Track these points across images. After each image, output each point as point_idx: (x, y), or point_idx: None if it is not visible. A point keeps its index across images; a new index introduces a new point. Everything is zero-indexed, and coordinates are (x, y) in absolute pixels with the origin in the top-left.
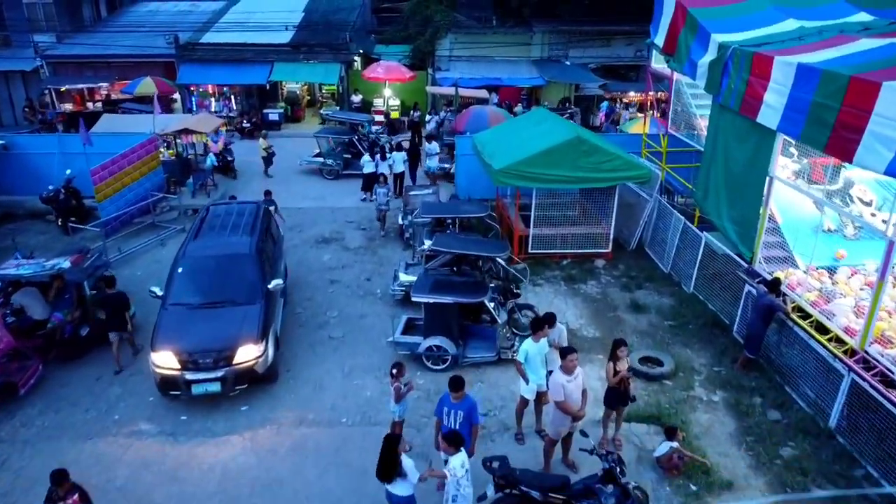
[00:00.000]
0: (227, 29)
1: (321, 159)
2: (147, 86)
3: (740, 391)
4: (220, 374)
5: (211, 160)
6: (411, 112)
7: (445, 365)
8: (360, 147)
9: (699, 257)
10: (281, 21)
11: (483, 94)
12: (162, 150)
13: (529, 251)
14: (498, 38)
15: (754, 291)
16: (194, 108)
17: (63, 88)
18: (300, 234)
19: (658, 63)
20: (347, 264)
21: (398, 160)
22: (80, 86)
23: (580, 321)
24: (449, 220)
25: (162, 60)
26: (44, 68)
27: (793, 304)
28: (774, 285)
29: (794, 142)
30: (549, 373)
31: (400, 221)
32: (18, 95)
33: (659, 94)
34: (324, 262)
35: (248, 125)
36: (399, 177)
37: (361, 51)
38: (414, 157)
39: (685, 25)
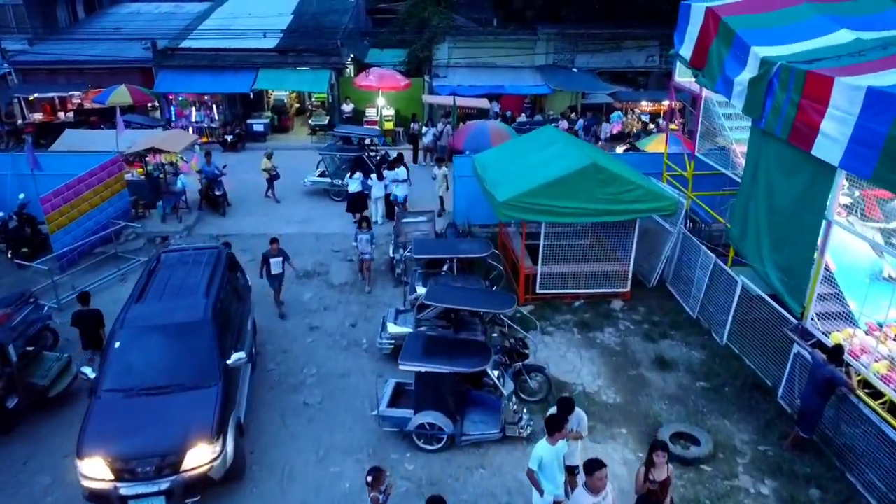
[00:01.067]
0: (209, 35)
1: (328, 179)
2: (121, 95)
3: (793, 480)
4: (164, 485)
5: (182, 182)
6: (411, 124)
7: (440, 444)
8: (370, 165)
9: (734, 304)
10: (267, 25)
11: (484, 103)
12: (128, 169)
13: (537, 291)
14: (499, 43)
15: (808, 356)
16: (173, 118)
17: (31, 97)
18: None
19: (683, 76)
20: (330, 305)
21: (400, 175)
22: (50, 94)
23: (598, 382)
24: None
25: (139, 67)
26: (12, 75)
27: (858, 378)
28: (835, 354)
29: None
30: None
31: (391, 254)
32: None
33: (675, 103)
34: (304, 303)
35: (232, 137)
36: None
37: (353, 56)
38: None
39: (718, 36)
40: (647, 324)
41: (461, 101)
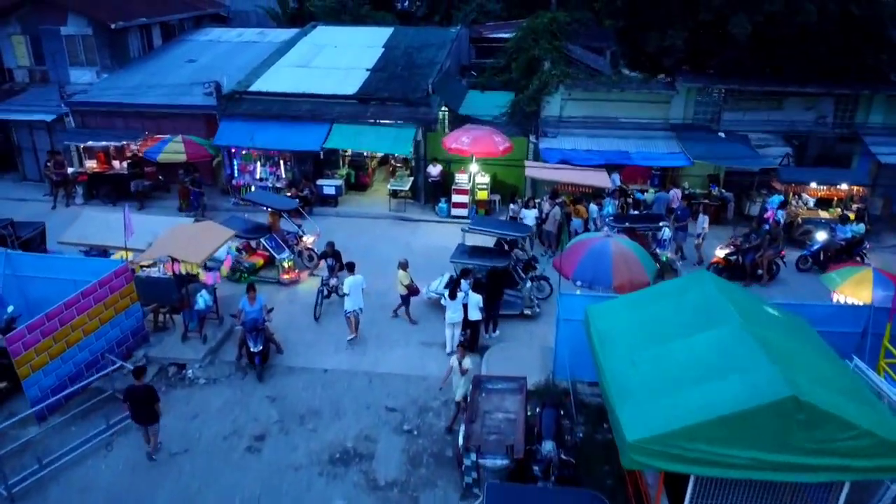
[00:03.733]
0: (284, 75)
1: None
2: (174, 150)
3: None
4: None
5: (204, 300)
6: (509, 205)
7: None
8: (516, 277)
9: None
10: (352, 62)
11: (601, 178)
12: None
13: None
14: (626, 95)
15: None
16: (235, 174)
17: (82, 146)
18: (312, 435)
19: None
20: None
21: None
22: (101, 143)
23: None
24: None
25: (203, 113)
26: (69, 117)
27: None
28: None
29: None
30: None
31: (459, 446)
32: (44, 143)
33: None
34: None
35: (297, 202)
36: (472, 327)
37: (446, 106)
38: (497, 290)
39: None
40: None
41: (572, 176)
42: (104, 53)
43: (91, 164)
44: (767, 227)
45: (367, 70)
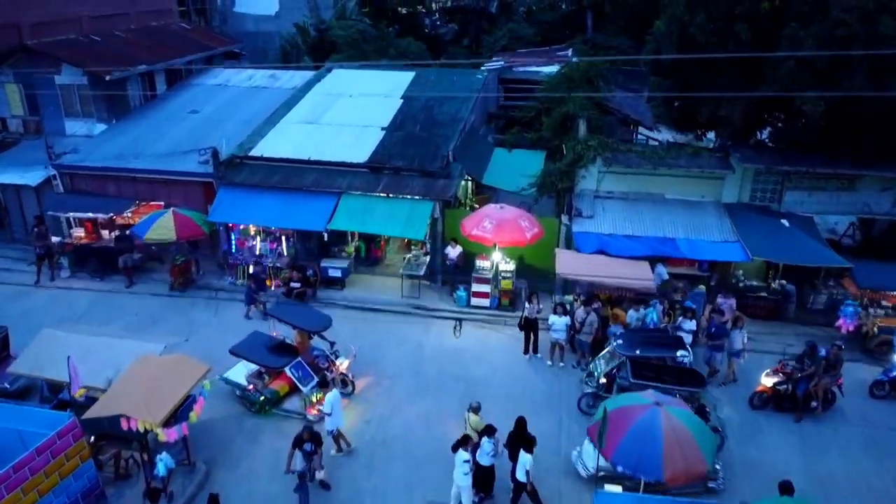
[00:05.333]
0: (292, 131)
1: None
2: (163, 227)
3: None
4: None
5: (165, 464)
6: (525, 304)
7: None
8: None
9: None
10: (367, 117)
11: (644, 273)
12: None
13: None
14: (674, 172)
15: None
16: (233, 249)
17: (64, 217)
18: None
19: None
20: None
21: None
22: (87, 215)
23: None
24: None
25: (200, 181)
26: (57, 180)
27: None
28: None
29: None
30: None
31: None
32: (31, 205)
33: None
34: None
35: (298, 285)
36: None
37: (469, 178)
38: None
39: None
40: None
41: (610, 274)
42: (101, 104)
43: (78, 234)
44: (825, 352)
45: (382, 129)
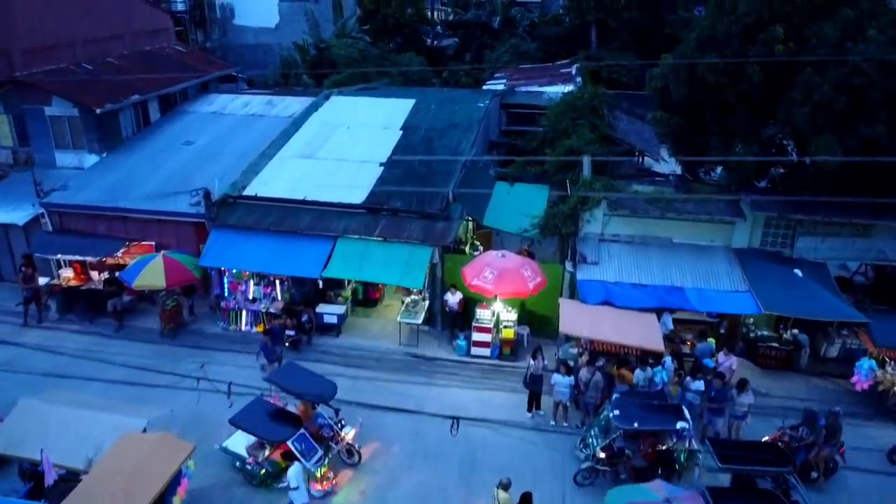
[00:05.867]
0: (288, 166)
1: None
2: (153, 273)
3: None
4: None
5: None
6: (529, 360)
7: None
8: None
9: None
10: (366, 151)
11: (650, 327)
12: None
13: None
14: (683, 217)
15: None
16: (225, 293)
17: (52, 259)
18: None
19: None
20: None
21: None
22: (74, 257)
23: None
24: None
25: (191, 221)
26: (45, 218)
27: None
28: None
29: None
30: None
31: None
32: (19, 242)
33: None
34: None
35: (292, 333)
36: None
37: (470, 218)
38: None
39: None
40: None
41: (616, 329)
42: (92, 136)
43: (67, 274)
44: (823, 421)
45: (381, 165)
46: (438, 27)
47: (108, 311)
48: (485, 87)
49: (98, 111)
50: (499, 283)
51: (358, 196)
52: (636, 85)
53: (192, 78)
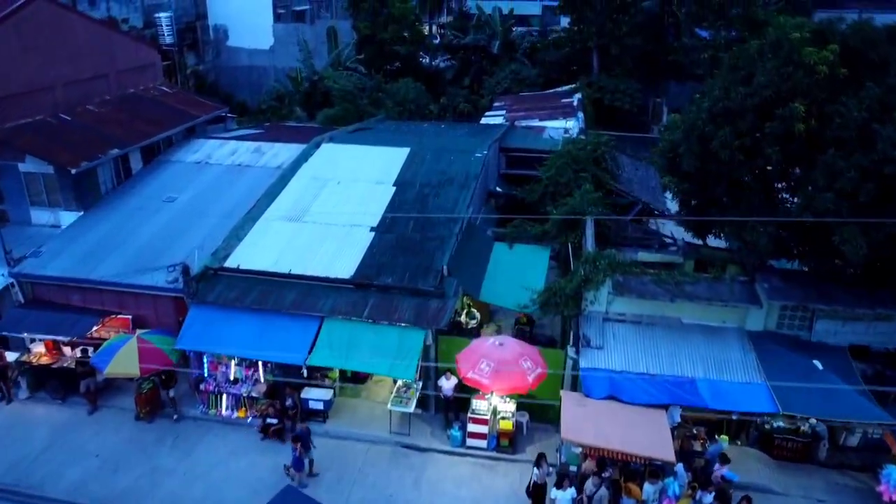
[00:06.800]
0: (273, 230)
1: None
2: (126, 360)
3: None
4: None
5: None
6: (533, 469)
7: None
8: None
9: None
10: (355, 216)
11: (661, 435)
12: None
13: None
14: (695, 302)
15: None
16: (206, 373)
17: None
18: None
19: None
20: None
21: None
22: (45, 337)
23: None
24: None
25: (170, 296)
26: (15, 287)
27: None
28: None
29: None
30: None
31: None
32: None
33: None
34: None
35: (275, 421)
36: None
37: (465, 296)
38: None
39: None
40: None
41: (622, 421)
42: (68, 194)
43: (38, 350)
44: None
45: (371, 230)
46: (436, 51)
47: (81, 392)
48: (483, 120)
49: (73, 171)
50: (496, 377)
51: (346, 269)
52: (638, 112)
53: (178, 124)
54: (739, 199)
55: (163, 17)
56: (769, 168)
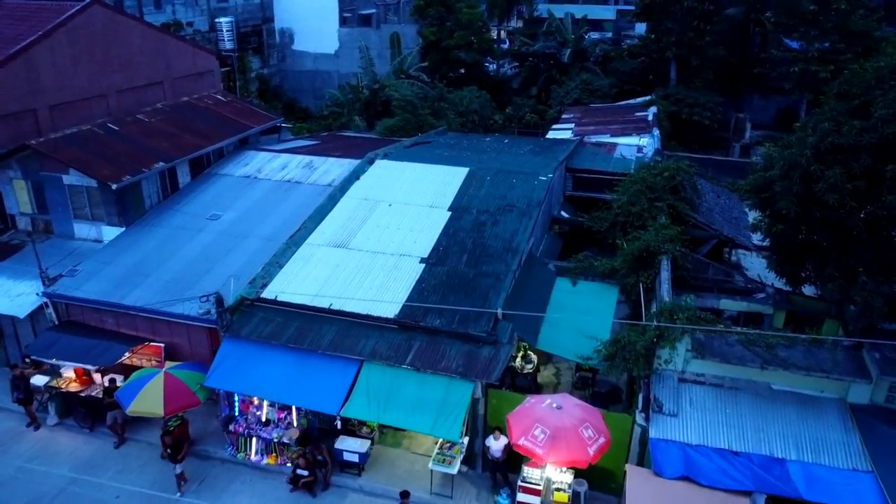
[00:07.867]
0: (317, 257)
1: None
2: (151, 398)
3: None
4: None
5: None
6: None
7: None
8: None
9: None
10: (405, 245)
11: None
12: None
13: None
14: (785, 371)
15: None
16: (236, 412)
17: (46, 365)
18: None
19: None
20: None
21: None
22: (73, 364)
23: None
24: None
25: (205, 326)
26: (49, 307)
27: None
28: None
29: None
30: None
31: None
32: (25, 329)
33: None
34: None
35: (306, 473)
36: None
37: (521, 341)
38: None
39: None
40: None
41: None
42: (111, 209)
43: (69, 375)
44: None
45: (421, 261)
46: (503, 59)
47: (108, 425)
48: (550, 134)
49: (114, 187)
50: (552, 447)
51: (391, 308)
52: (718, 127)
53: (230, 135)
54: (847, 250)
55: (224, 21)
56: (886, 216)
